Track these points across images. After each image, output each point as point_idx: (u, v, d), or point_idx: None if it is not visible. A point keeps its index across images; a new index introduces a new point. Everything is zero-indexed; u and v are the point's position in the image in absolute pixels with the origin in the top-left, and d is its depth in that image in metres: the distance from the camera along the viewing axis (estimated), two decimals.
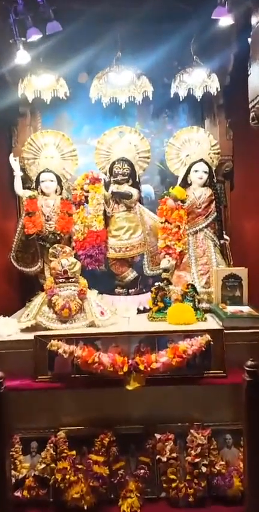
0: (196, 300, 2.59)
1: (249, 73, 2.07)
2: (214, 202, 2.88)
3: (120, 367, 2.12)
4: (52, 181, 2.86)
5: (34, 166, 2.97)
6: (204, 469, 2.10)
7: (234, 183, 3.19)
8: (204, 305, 2.71)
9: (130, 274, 2.89)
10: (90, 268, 2.77)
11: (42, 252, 2.88)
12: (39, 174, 2.87)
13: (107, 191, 2.86)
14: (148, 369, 2.11)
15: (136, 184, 2.91)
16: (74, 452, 2.19)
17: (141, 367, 2.11)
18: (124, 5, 2.67)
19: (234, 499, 2.09)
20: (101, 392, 2.21)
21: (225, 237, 2.90)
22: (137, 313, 2.77)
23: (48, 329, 2.39)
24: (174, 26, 2.76)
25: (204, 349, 2.17)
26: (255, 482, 1.92)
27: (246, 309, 2.48)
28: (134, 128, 3.05)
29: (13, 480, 2.12)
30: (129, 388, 2.12)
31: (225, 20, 2.45)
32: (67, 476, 2.11)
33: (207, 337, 2.20)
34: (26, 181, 3.00)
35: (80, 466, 2.16)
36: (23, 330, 2.38)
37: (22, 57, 2.52)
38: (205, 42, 2.80)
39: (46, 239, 2.83)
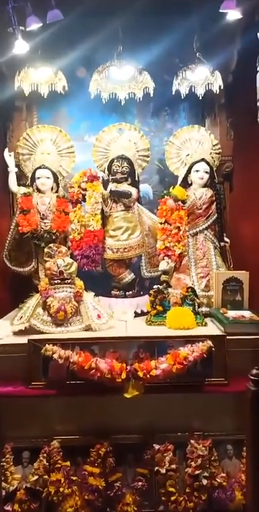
0: (196, 303, 2.51)
1: (258, 69, 1.98)
2: (215, 203, 2.81)
3: (118, 374, 2.03)
4: (48, 178, 2.77)
5: (29, 162, 2.87)
6: (204, 482, 2.02)
7: (233, 184, 3.13)
8: (204, 309, 2.64)
9: (128, 276, 2.80)
10: (86, 269, 2.67)
11: (37, 251, 2.78)
12: (35, 171, 2.77)
13: (105, 190, 2.77)
14: (148, 376, 2.03)
15: (135, 183, 2.83)
16: (68, 463, 2.10)
17: (140, 374, 2.03)
18: None
19: None
20: (98, 400, 2.12)
21: (226, 239, 2.83)
22: (134, 316, 2.68)
23: (43, 332, 2.30)
24: (176, 20, 2.68)
25: (205, 355, 2.09)
26: (257, 496, 1.84)
27: (247, 314, 2.41)
28: (134, 125, 2.97)
29: (3, 493, 2.03)
30: (127, 396, 2.04)
31: (233, 14, 2.37)
32: (61, 489, 2.02)
33: (209, 343, 2.12)
34: (21, 178, 2.90)
35: (74, 478, 2.07)
36: (16, 333, 2.28)
37: (20, 47, 2.41)
38: (208, 38, 2.72)
39: (41, 238, 2.72)
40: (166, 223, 2.69)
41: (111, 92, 2.83)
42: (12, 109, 2.98)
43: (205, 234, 2.80)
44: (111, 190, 2.76)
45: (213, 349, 2.11)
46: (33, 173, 2.78)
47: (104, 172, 2.85)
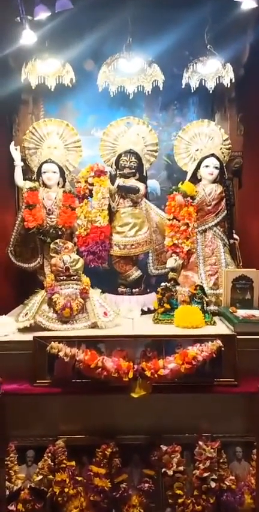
0: (204, 302, 2.46)
1: None
2: (224, 199, 2.75)
3: (125, 373, 1.99)
4: (55, 172, 2.72)
5: (36, 156, 2.83)
6: (213, 484, 1.97)
7: (242, 180, 3.07)
8: (212, 308, 2.59)
9: (135, 273, 2.75)
10: (92, 265, 2.63)
11: (42, 247, 2.74)
12: (41, 165, 2.73)
13: (113, 185, 2.72)
14: (155, 375, 1.99)
15: (143, 179, 2.78)
16: (73, 463, 2.06)
17: (148, 373, 1.99)
18: None
19: None
20: (104, 399, 2.07)
21: (235, 236, 2.77)
22: (141, 314, 2.64)
23: (48, 330, 2.26)
24: (186, 11, 2.61)
25: (214, 355, 2.04)
26: None
27: (257, 313, 2.35)
28: (142, 119, 2.91)
29: (7, 492, 1.98)
30: (134, 395, 1.99)
31: (248, 3, 2.30)
32: (66, 489, 1.98)
33: (218, 342, 2.07)
34: (27, 172, 2.86)
35: (79, 479, 2.03)
36: (21, 330, 2.24)
37: (28, 37, 2.36)
38: (219, 30, 2.66)
39: (47, 234, 2.68)
40: (174, 220, 2.63)
41: (119, 85, 2.77)
42: (19, 102, 2.93)
43: (215, 231, 2.74)
44: (118, 185, 2.71)
45: (222, 348, 2.06)
46: (40, 167, 2.74)
47: (111, 167, 2.80)
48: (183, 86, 2.77)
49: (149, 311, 2.65)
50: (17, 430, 2.09)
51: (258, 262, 2.62)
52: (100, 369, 1.97)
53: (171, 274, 2.59)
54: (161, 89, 2.72)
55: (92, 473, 2.01)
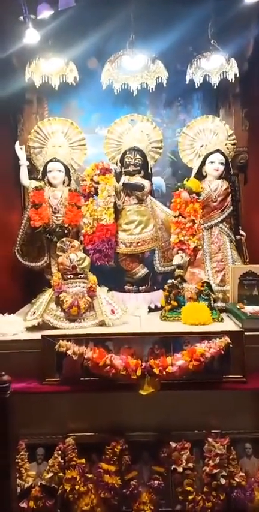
0: (212, 298, 2.45)
1: None
2: (230, 195, 2.74)
3: (134, 371, 1.99)
4: (60, 171, 2.72)
5: (41, 155, 2.83)
6: (223, 481, 1.97)
7: (248, 176, 3.05)
8: (219, 304, 2.58)
9: (141, 271, 2.75)
10: (99, 263, 2.63)
11: (49, 246, 2.75)
12: (46, 164, 2.73)
13: (118, 182, 2.71)
14: (164, 372, 1.98)
15: (148, 176, 2.77)
16: (83, 460, 2.07)
17: (156, 370, 1.98)
18: None
19: None
20: (113, 396, 2.08)
21: (241, 232, 2.76)
22: (148, 311, 2.64)
23: (56, 328, 2.26)
24: (189, 6, 2.60)
25: (223, 352, 2.03)
26: None
27: None
28: (146, 116, 2.90)
29: (18, 490, 1.99)
30: (142, 393, 1.99)
31: None
32: (76, 487, 1.99)
33: (227, 339, 2.06)
34: (32, 172, 2.86)
35: (89, 476, 2.04)
36: (29, 329, 2.25)
37: (31, 36, 2.36)
38: (223, 25, 2.64)
39: (53, 232, 2.69)
40: (180, 217, 2.63)
41: (123, 82, 2.76)
42: (23, 101, 2.93)
43: (221, 227, 2.73)
44: (123, 183, 2.70)
45: (230, 345, 2.05)
46: (45, 166, 2.74)
47: (116, 164, 2.79)
48: (187, 82, 2.77)
49: (156, 308, 2.65)
50: (27, 429, 2.11)
51: None
52: (108, 367, 1.98)
53: (177, 271, 2.58)
54: (165, 85, 2.71)
55: (101, 471, 2.02)
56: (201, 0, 2.58)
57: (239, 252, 2.74)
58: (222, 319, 2.40)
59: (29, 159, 2.82)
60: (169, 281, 2.51)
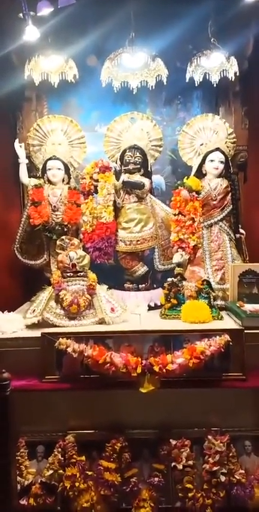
0: (211, 297, 2.45)
1: None
2: (230, 194, 2.74)
3: (134, 368, 1.99)
4: (59, 169, 2.71)
5: (40, 153, 2.82)
6: (222, 478, 1.98)
7: (247, 175, 3.05)
8: (219, 302, 2.59)
9: (141, 269, 2.75)
10: (98, 261, 2.63)
11: (48, 244, 2.74)
12: (46, 162, 2.72)
13: (117, 181, 2.71)
14: (164, 370, 1.99)
15: (148, 174, 2.77)
16: (83, 457, 2.07)
17: (156, 368, 1.99)
18: None
19: (255, 510, 1.98)
20: (113, 394, 2.09)
21: (241, 231, 2.77)
22: (148, 309, 2.64)
23: (56, 326, 2.27)
24: (189, 5, 2.59)
25: (222, 350, 2.04)
26: None
27: None
28: (146, 114, 2.90)
29: (18, 487, 2.00)
30: (142, 390, 2.00)
31: None
32: (76, 484, 2.00)
33: (226, 337, 2.07)
34: (31, 170, 2.86)
35: (90, 473, 2.05)
36: (29, 327, 2.25)
37: (31, 33, 2.35)
38: (223, 23, 2.64)
39: (52, 230, 2.69)
40: (180, 215, 2.62)
41: (122, 80, 2.75)
42: (22, 99, 2.91)
43: (220, 226, 2.74)
44: (123, 181, 2.70)
45: (230, 343, 2.06)
46: (44, 164, 2.73)
47: (115, 162, 2.79)
48: (186, 80, 2.76)
49: (156, 306, 2.66)
50: (27, 426, 2.12)
51: None
52: (108, 365, 1.98)
53: (177, 270, 2.59)
54: (165, 83, 2.71)
55: (102, 468, 2.03)
56: None
57: (239, 251, 2.75)
58: (222, 317, 2.40)
59: (28, 156, 2.81)
60: (169, 279, 2.51)
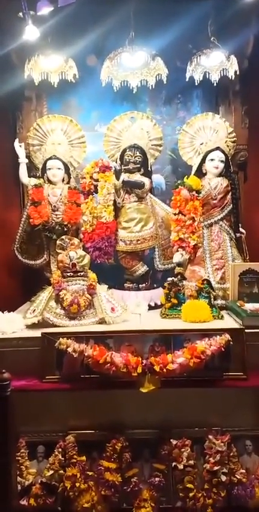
0: (212, 296, 2.45)
1: None
2: (230, 193, 2.73)
3: (134, 368, 1.99)
4: (59, 169, 2.71)
5: (40, 153, 2.82)
6: (223, 478, 1.97)
7: (248, 174, 3.05)
8: (220, 302, 2.58)
9: (141, 269, 2.75)
10: (98, 261, 2.63)
11: (48, 244, 2.74)
12: (46, 162, 2.72)
13: (117, 180, 2.70)
14: (164, 370, 1.98)
15: (148, 174, 2.77)
16: (83, 457, 2.06)
17: (157, 368, 1.98)
18: None
19: (256, 510, 1.97)
20: (113, 394, 2.08)
21: (241, 230, 2.76)
22: (148, 309, 2.63)
23: (56, 326, 2.27)
24: (189, 4, 2.60)
25: (223, 349, 2.03)
26: None
27: None
28: (146, 114, 2.90)
29: (19, 487, 1.99)
30: (143, 390, 1.99)
31: None
32: (77, 484, 1.99)
33: (227, 336, 2.06)
34: (31, 169, 2.86)
35: (90, 473, 2.03)
36: (29, 327, 2.25)
37: (30, 32, 2.35)
38: (223, 22, 2.64)
39: (52, 230, 2.69)
40: (180, 214, 2.63)
41: (122, 79, 2.76)
42: (22, 99, 2.92)
43: (221, 225, 2.73)
44: (123, 180, 2.70)
45: (231, 342, 2.05)
46: (44, 164, 2.73)
47: (115, 162, 2.79)
48: (186, 79, 2.76)
49: (156, 306, 2.65)
50: (27, 426, 2.11)
51: None
52: (109, 364, 1.97)
53: (177, 269, 2.58)
54: (165, 82, 2.71)
55: (102, 468, 2.02)
56: None
57: (239, 250, 2.74)
58: (222, 316, 2.40)
59: (28, 156, 2.81)
60: (169, 279, 2.51)
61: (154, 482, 2.03)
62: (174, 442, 2.05)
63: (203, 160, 2.75)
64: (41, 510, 2.02)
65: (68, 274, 2.38)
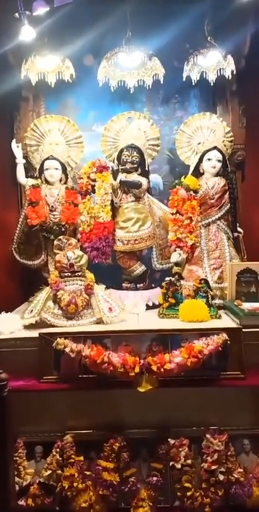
0: (209, 295, 2.45)
1: None
2: (227, 192, 2.74)
3: (131, 368, 1.99)
4: (57, 169, 2.72)
5: (37, 153, 2.83)
6: (221, 477, 1.97)
7: (245, 173, 3.05)
8: (217, 301, 2.59)
9: (139, 268, 2.75)
10: (96, 261, 2.63)
11: (46, 244, 2.74)
12: (43, 162, 2.72)
13: (115, 180, 2.71)
14: (162, 369, 1.98)
15: (145, 173, 2.77)
16: (81, 457, 2.06)
17: (154, 367, 1.98)
18: None
19: (254, 509, 1.97)
20: (111, 394, 2.08)
21: (239, 229, 2.77)
22: (146, 309, 2.64)
23: (54, 326, 2.26)
24: (186, 3, 2.60)
25: (220, 349, 2.03)
26: None
27: None
28: (143, 114, 2.90)
29: (16, 487, 1.99)
30: (140, 390, 1.99)
31: None
32: (75, 484, 1.99)
33: (224, 336, 2.07)
34: (29, 170, 2.86)
35: (88, 473, 2.04)
36: (27, 327, 2.25)
37: (27, 33, 2.34)
38: (220, 22, 2.64)
39: (50, 230, 2.69)
40: (178, 214, 2.62)
41: (119, 79, 2.75)
42: (19, 99, 2.91)
43: (218, 225, 2.74)
44: (121, 180, 2.70)
45: (228, 342, 2.05)
46: (41, 164, 2.74)
47: (113, 162, 2.79)
48: (183, 79, 2.75)
49: (154, 306, 2.65)
50: (25, 426, 2.11)
51: None
52: (106, 364, 1.98)
53: (175, 269, 2.59)
54: (162, 82, 2.71)
55: (100, 468, 2.02)
56: None
57: (237, 249, 2.75)
58: (220, 316, 2.40)
59: (25, 157, 2.81)
60: (167, 278, 2.51)
61: (152, 482, 2.03)
62: (171, 441, 2.05)
63: (200, 160, 2.75)
64: (39, 510, 2.02)
65: (66, 274, 2.38)
